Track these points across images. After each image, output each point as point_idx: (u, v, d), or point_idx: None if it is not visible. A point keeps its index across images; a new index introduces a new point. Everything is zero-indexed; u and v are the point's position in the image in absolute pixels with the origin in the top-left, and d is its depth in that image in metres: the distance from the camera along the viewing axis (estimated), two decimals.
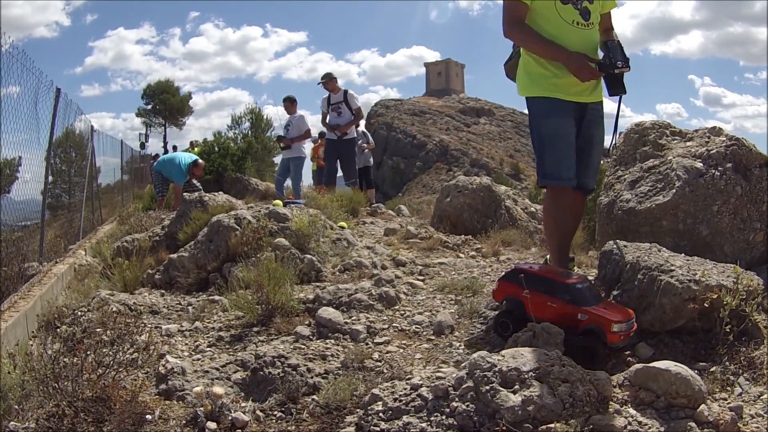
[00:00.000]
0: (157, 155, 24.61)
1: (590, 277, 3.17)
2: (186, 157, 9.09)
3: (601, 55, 3.14)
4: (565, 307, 2.60)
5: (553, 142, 3.06)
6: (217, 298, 3.82)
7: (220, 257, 4.36)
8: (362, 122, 10.64)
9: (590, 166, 3.21)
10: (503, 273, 3.13)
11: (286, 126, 9.15)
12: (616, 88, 3.02)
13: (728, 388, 2.22)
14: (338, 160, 8.64)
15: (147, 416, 2.15)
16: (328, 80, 8.44)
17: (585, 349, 2.45)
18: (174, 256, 4.57)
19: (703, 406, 2.00)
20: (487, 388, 1.95)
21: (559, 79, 3.02)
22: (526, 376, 1.98)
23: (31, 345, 3.09)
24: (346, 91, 8.41)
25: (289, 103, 9.29)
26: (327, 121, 8.49)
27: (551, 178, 3.10)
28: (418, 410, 1.98)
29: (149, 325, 3.32)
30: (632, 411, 2.00)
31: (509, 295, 2.85)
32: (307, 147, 10.34)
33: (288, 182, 9.49)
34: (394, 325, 3.26)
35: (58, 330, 3.17)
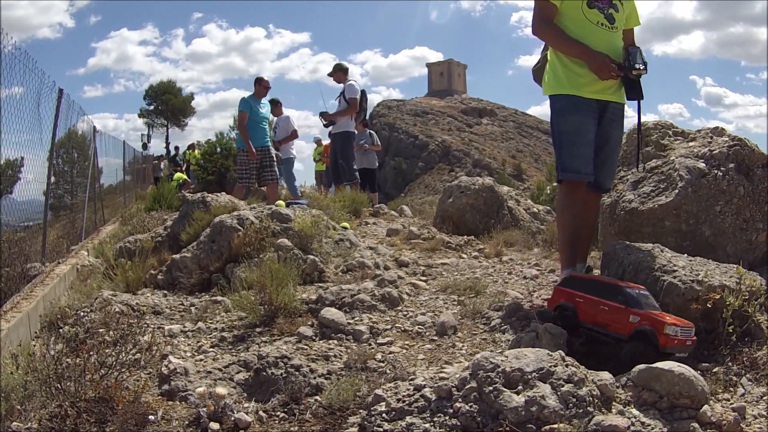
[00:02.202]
0: (160, 156, 24.65)
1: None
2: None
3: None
4: (617, 309, 2.51)
5: (573, 138, 3.17)
6: (219, 298, 3.82)
7: (222, 258, 4.37)
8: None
9: (606, 164, 3.28)
10: (557, 281, 3.12)
11: (273, 128, 9.14)
12: (634, 93, 3.12)
13: (731, 389, 2.22)
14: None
15: (150, 417, 2.15)
16: (333, 72, 8.28)
17: (633, 356, 2.31)
18: (177, 256, 4.57)
19: (706, 407, 1.99)
20: (491, 388, 1.95)
21: (582, 78, 3.13)
22: (529, 376, 1.98)
23: (34, 345, 3.11)
24: (346, 82, 8.21)
25: (274, 106, 9.27)
26: None
27: (570, 171, 3.19)
28: (421, 411, 1.98)
29: (152, 326, 3.32)
30: (635, 411, 2.00)
31: (564, 302, 2.79)
32: (297, 147, 10.29)
33: (282, 183, 9.50)
34: (396, 325, 3.26)
35: (61, 330, 3.18)
